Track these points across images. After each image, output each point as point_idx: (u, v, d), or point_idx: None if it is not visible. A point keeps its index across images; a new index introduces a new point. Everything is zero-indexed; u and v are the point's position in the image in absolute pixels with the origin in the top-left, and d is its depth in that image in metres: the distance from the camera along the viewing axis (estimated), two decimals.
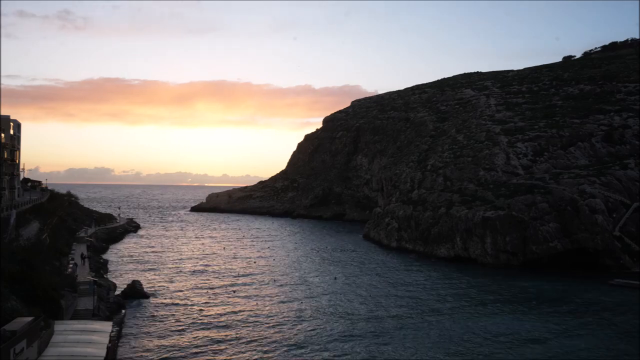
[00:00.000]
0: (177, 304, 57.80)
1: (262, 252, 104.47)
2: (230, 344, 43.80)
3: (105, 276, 69.94)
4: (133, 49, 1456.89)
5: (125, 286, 61.44)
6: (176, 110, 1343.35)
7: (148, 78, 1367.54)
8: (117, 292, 60.04)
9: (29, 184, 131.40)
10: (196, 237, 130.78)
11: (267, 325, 49.88)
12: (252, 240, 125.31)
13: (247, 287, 68.53)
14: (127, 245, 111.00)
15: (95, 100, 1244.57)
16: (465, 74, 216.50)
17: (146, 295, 59.97)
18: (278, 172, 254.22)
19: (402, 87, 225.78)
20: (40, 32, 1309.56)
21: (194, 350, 42.19)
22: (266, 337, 45.79)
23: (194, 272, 79.16)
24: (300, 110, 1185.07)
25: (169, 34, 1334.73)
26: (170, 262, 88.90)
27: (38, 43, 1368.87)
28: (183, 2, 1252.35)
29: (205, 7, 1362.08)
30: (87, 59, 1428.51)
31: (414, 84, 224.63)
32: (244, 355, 41.26)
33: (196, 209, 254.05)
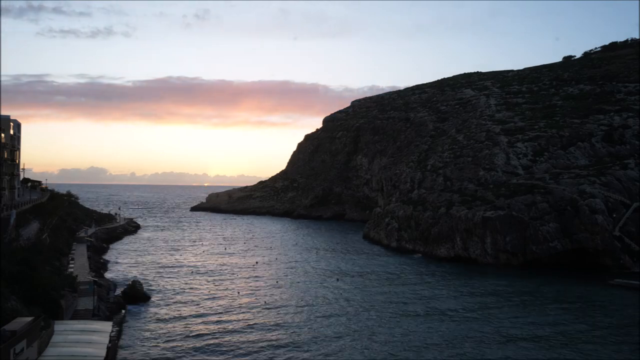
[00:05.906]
0: (177, 304, 57.81)
1: (262, 252, 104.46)
2: (231, 344, 43.79)
3: (105, 276, 70.01)
4: (243, 50, 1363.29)
5: (125, 286, 61.44)
6: (216, 110, 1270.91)
7: (226, 78, 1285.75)
8: (117, 292, 60.08)
9: (29, 184, 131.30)
10: (196, 237, 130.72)
11: (268, 324, 49.85)
12: (253, 241, 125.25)
13: (247, 287, 68.54)
14: (127, 246, 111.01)
15: (142, 99, 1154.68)
16: (465, 74, 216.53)
17: (146, 296, 59.93)
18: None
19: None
20: (159, 32, 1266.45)
21: (194, 350, 42.19)
22: (267, 337, 45.76)
23: (194, 272, 79.16)
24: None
25: (297, 35, 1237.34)
26: (170, 262, 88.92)
27: (151, 43, 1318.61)
28: (327, 2, 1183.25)
29: (351, 7, 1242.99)
30: (184, 58, 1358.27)
31: (414, 84, 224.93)
32: (245, 355, 41.24)
33: (196, 208, 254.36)
